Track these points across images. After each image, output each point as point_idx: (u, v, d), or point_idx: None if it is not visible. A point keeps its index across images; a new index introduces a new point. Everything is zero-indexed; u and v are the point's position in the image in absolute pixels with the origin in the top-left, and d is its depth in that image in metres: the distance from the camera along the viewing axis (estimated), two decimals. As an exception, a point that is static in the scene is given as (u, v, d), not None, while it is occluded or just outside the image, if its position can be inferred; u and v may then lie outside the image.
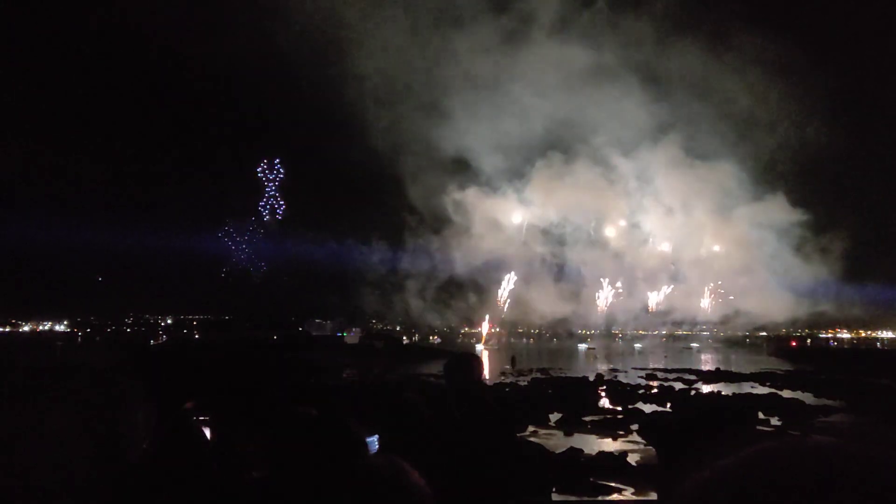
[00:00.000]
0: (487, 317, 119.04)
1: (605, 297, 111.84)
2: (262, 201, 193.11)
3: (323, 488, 1.72)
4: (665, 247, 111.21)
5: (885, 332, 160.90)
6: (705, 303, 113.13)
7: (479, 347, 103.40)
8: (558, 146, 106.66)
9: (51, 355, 58.26)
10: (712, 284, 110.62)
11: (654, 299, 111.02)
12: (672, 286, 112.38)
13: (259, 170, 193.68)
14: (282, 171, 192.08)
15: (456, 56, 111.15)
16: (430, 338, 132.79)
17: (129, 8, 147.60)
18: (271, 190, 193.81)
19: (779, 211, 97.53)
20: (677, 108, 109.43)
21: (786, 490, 0.56)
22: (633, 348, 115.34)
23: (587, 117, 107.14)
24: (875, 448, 0.57)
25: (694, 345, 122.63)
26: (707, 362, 75.64)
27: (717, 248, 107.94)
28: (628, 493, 13.97)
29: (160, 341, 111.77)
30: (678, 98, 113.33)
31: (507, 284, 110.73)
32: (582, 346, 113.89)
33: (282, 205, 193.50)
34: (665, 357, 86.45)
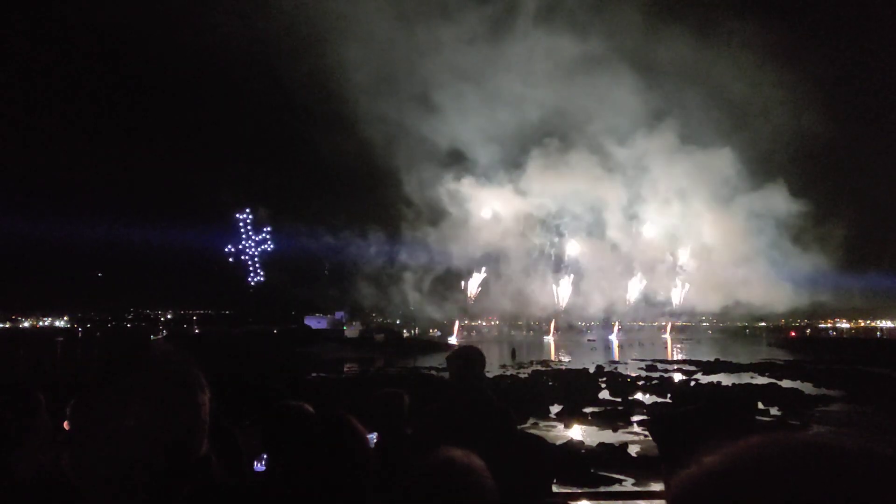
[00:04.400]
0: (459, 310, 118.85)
1: (602, 289, 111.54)
2: (261, 196, 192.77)
3: (320, 485, 1.71)
4: (663, 236, 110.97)
5: (884, 321, 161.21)
6: (704, 293, 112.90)
7: (452, 340, 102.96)
8: (554, 136, 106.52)
9: (51, 351, 58.25)
10: (711, 274, 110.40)
11: (637, 289, 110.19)
12: (671, 276, 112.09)
13: (257, 165, 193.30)
14: (277, 166, 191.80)
15: (446, 46, 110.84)
16: (430, 331, 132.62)
17: (127, 6, 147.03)
18: (270, 185, 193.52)
19: (778, 200, 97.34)
20: (672, 96, 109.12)
21: (774, 487, 0.54)
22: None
23: (582, 106, 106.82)
24: (868, 442, 0.57)
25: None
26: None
27: (715, 237, 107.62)
28: (628, 484, 14.01)
29: (160, 336, 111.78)
30: (672, 85, 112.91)
31: (473, 279, 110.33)
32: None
33: (280, 199, 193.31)
34: (665, 348, 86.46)
